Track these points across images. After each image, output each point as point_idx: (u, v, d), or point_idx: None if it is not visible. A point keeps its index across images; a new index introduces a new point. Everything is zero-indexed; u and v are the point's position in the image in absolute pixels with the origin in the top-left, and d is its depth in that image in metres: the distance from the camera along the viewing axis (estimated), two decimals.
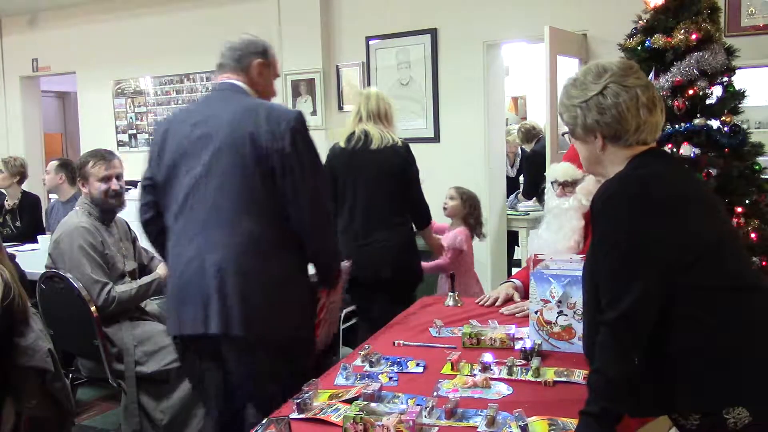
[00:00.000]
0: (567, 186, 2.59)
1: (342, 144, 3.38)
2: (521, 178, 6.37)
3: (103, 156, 3.07)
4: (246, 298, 2.05)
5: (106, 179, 3.01)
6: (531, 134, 6.10)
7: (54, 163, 4.74)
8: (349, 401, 1.71)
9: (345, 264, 2.48)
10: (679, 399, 1.45)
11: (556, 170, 2.67)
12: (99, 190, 2.99)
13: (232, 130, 2.08)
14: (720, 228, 1.55)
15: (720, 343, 1.43)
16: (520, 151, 6.33)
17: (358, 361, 2.06)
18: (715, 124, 3.33)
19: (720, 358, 1.43)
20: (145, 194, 2.29)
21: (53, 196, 5.06)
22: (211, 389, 2.23)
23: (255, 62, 2.26)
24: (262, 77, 2.28)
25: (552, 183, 2.70)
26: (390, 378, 1.92)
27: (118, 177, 3.06)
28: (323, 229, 2.20)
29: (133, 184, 6.00)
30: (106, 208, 3.05)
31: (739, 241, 1.64)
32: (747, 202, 3.31)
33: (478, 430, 1.59)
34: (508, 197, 5.99)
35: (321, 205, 2.17)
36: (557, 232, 2.59)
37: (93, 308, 2.83)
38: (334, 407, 1.71)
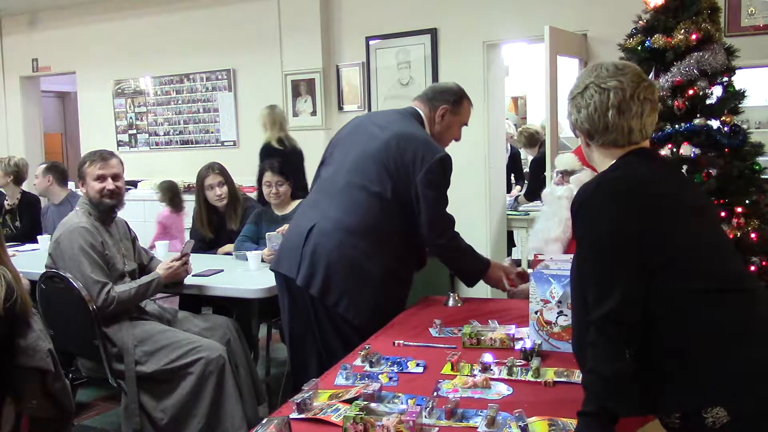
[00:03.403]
0: (566, 175, 2.66)
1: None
2: (512, 176, 6.39)
3: (101, 156, 3.06)
4: (329, 272, 2.43)
5: (101, 178, 2.99)
6: (534, 139, 6.10)
7: (41, 167, 4.72)
8: (349, 401, 1.71)
9: None
10: (660, 398, 1.46)
11: (560, 159, 2.75)
12: (94, 189, 2.99)
13: (385, 147, 2.50)
14: (702, 229, 1.56)
15: (698, 344, 1.44)
16: (509, 148, 6.32)
17: (358, 361, 2.06)
18: (715, 124, 3.33)
19: (698, 359, 1.44)
20: (319, 165, 2.77)
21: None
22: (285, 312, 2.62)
23: (441, 107, 2.65)
24: (443, 120, 2.67)
25: (555, 171, 2.77)
26: (390, 378, 1.93)
27: (115, 177, 3.03)
28: (439, 244, 2.60)
29: (133, 184, 6.03)
30: (102, 208, 3.03)
31: (726, 243, 1.64)
32: (747, 202, 3.30)
33: (478, 430, 1.59)
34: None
35: (433, 228, 2.54)
36: (550, 219, 2.67)
37: (93, 308, 2.83)
38: (334, 407, 1.71)
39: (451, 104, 2.66)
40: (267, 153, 5.17)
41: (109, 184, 3.01)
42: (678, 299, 1.46)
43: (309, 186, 3.12)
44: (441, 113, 2.65)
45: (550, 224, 2.68)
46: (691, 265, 1.49)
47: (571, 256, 2.24)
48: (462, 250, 2.66)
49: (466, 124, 2.78)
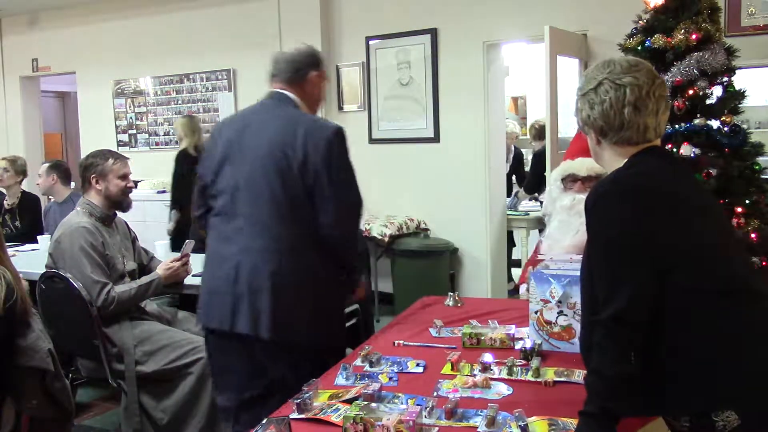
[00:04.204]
0: (588, 181, 2.56)
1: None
2: (513, 177, 6.39)
3: (120, 155, 3.17)
4: (276, 304, 2.15)
5: (125, 176, 3.10)
6: (544, 131, 6.09)
7: (45, 165, 4.74)
8: (349, 401, 1.71)
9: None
10: (669, 400, 1.45)
11: (573, 165, 2.64)
12: (118, 186, 3.06)
13: (273, 143, 2.19)
14: (712, 230, 1.55)
15: (707, 345, 1.44)
16: (513, 149, 6.32)
17: (358, 361, 2.06)
18: (715, 124, 3.33)
19: (709, 360, 1.43)
20: (199, 192, 2.39)
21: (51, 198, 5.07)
22: (231, 381, 2.29)
23: (312, 75, 2.36)
24: (316, 88, 2.40)
25: (563, 179, 2.68)
26: (390, 378, 1.93)
27: (129, 176, 3.15)
28: (350, 236, 2.31)
29: (134, 184, 6.03)
30: (124, 205, 3.12)
31: (737, 244, 1.63)
32: (747, 202, 3.30)
33: (478, 430, 1.59)
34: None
35: (349, 214, 2.27)
36: (581, 226, 2.53)
37: (93, 308, 2.83)
38: (334, 407, 1.71)
39: (316, 68, 2.37)
40: (183, 158, 5.37)
41: (129, 182, 3.13)
42: (686, 300, 1.45)
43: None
44: (313, 82, 2.37)
45: (572, 233, 2.56)
46: (700, 265, 1.48)
47: (571, 256, 2.25)
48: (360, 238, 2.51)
49: (329, 80, 2.57)
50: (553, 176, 2.77)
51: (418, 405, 1.66)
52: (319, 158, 2.16)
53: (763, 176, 3.40)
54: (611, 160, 1.62)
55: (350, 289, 2.47)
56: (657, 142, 1.62)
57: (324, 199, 2.18)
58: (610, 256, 1.47)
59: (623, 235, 1.46)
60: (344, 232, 2.27)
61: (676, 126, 3.31)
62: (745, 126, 3.46)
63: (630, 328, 1.42)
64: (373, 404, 1.66)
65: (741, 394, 1.41)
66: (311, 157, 2.16)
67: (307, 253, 2.21)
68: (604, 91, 1.56)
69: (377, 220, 5.32)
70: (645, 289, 1.43)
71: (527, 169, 6.69)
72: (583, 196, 2.53)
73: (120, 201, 3.09)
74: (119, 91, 7.19)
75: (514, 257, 6.11)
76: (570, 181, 2.65)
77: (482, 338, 2.18)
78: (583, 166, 2.60)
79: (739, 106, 3.43)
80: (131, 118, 7.15)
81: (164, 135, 6.98)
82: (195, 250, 3.50)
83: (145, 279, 3.04)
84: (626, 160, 1.58)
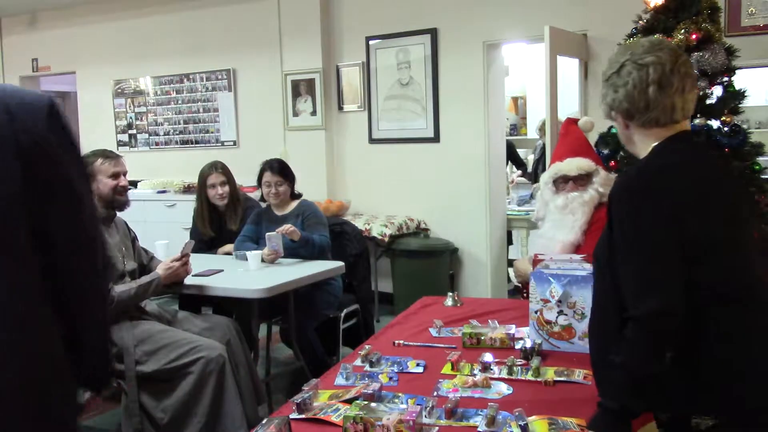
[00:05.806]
0: (579, 180, 2.61)
1: None
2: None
3: (113, 154, 3.13)
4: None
5: (115, 176, 3.06)
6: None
7: None
8: (349, 401, 1.71)
9: None
10: (698, 398, 1.44)
11: (562, 167, 2.67)
12: (108, 186, 3.03)
13: None
14: (730, 227, 1.52)
15: (735, 349, 1.42)
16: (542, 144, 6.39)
17: (358, 361, 2.06)
18: (715, 124, 3.33)
19: (740, 364, 1.41)
20: None
21: None
22: None
23: None
24: None
25: (554, 181, 2.70)
26: (390, 378, 1.93)
27: (125, 174, 3.11)
28: (98, 287, 1.37)
29: (133, 184, 6.03)
30: (116, 204, 3.09)
31: (751, 244, 1.60)
32: None
33: (479, 429, 1.59)
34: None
35: (95, 227, 1.37)
36: (575, 224, 2.56)
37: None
38: (334, 407, 1.71)
39: None
40: None
41: (122, 181, 3.08)
42: (716, 298, 1.43)
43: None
44: None
45: (575, 228, 2.58)
46: (720, 262, 1.46)
47: (572, 256, 2.25)
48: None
49: None
50: (543, 180, 2.81)
51: (418, 405, 1.66)
52: (51, 144, 1.26)
53: (763, 176, 3.40)
54: (641, 144, 1.58)
55: (93, 384, 1.50)
56: (685, 125, 1.57)
57: (65, 197, 1.27)
58: (641, 253, 1.43)
59: (653, 231, 1.43)
60: (103, 281, 1.42)
61: None
62: (745, 126, 3.45)
63: (669, 325, 1.39)
64: (373, 404, 1.66)
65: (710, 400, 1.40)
66: (36, 145, 1.24)
67: (38, 313, 1.23)
68: (626, 72, 1.54)
69: (377, 220, 5.32)
70: (678, 285, 1.40)
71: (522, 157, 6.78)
72: (575, 194, 2.58)
73: (112, 200, 3.06)
74: (119, 91, 7.19)
75: (510, 256, 6.11)
76: (561, 182, 2.69)
77: (482, 338, 2.19)
78: (573, 165, 2.65)
79: (739, 106, 3.44)
80: (131, 118, 7.16)
81: (164, 135, 6.98)
82: (195, 250, 3.50)
83: (145, 279, 3.03)
84: (656, 143, 1.54)
